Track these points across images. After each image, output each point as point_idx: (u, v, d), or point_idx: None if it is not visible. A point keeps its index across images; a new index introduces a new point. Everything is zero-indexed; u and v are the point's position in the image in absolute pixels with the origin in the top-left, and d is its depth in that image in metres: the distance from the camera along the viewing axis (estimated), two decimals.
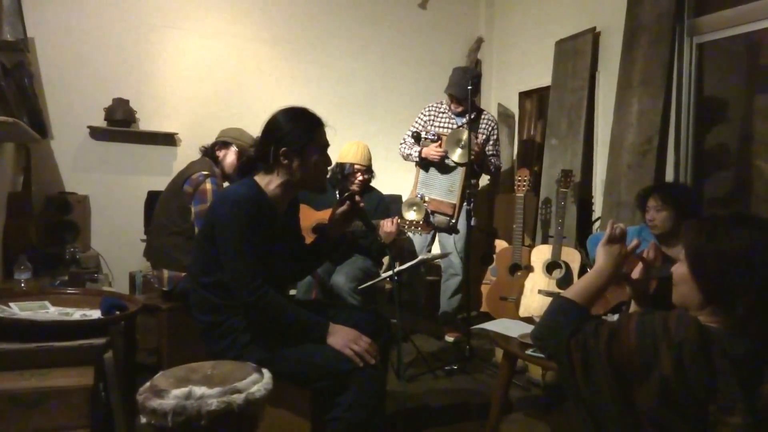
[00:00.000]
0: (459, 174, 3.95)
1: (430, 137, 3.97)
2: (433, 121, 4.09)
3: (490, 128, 4.05)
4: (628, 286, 1.62)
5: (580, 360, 1.26)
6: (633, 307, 1.67)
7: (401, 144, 4.12)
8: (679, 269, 1.33)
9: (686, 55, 3.91)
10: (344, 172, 3.59)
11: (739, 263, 1.20)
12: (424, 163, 4.03)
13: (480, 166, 3.99)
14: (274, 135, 2.00)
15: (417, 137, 4.00)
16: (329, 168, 2.16)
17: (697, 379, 1.13)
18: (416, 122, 4.15)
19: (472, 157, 3.75)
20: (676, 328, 1.17)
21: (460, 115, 4.04)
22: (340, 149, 3.59)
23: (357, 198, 2.25)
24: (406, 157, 4.10)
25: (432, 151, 3.90)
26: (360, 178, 3.61)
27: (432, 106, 4.15)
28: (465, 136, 3.85)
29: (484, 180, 5.45)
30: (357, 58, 5.22)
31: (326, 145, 2.10)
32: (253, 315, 1.94)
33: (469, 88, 3.71)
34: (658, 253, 1.63)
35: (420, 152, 3.96)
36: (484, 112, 4.13)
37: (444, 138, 3.93)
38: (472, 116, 3.98)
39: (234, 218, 1.90)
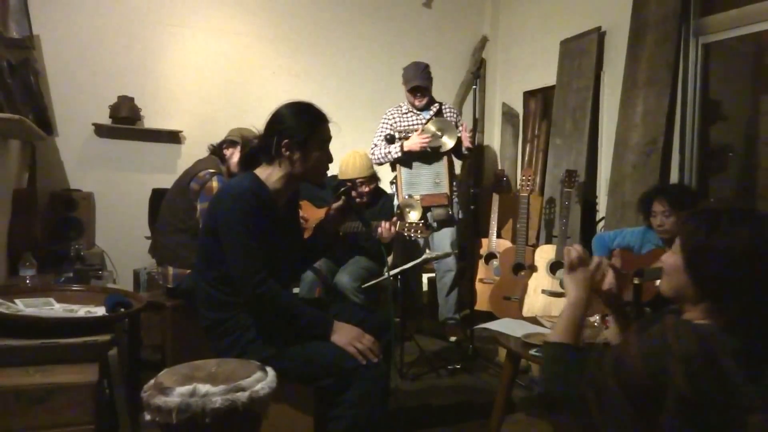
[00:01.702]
0: (442, 164, 3.96)
1: (404, 136, 3.95)
2: (399, 123, 4.08)
3: (455, 116, 4.10)
4: (600, 298, 1.58)
5: (594, 398, 1.22)
6: (612, 324, 1.63)
7: (373, 148, 4.04)
8: (671, 259, 1.29)
9: (692, 56, 3.89)
10: (352, 185, 3.56)
11: (739, 262, 1.17)
12: (405, 160, 3.99)
13: (461, 148, 3.98)
14: (277, 127, 2.02)
15: (391, 139, 3.96)
16: (329, 165, 2.17)
17: (713, 388, 1.10)
18: (382, 128, 4.11)
19: (455, 133, 3.80)
20: (677, 342, 1.14)
21: (423, 109, 4.06)
22: (339, 163, 3.56)
23: (353, 194, 2.26)
24: (383, 158, 4.00)
25: (418, 141, 3.85)
26: (366, 190, 3.59)
27: (392, 110, 4.15)
28: (436, 126, 3.90)
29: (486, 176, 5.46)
30: (361, 57, 5.22)
31: (328, 139, 2.11)
32: (257, 309, 1.94)
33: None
34: (622, 259, 1.60)
35: (402, 146, 3.91)
36: (444, 104, 4.15)
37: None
38: (436, 109, 4.03)
39: (236, 212, 1.91)
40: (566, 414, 1.35)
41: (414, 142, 3.87)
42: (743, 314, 1.17)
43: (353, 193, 3.55)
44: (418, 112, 4.07)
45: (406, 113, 4.10)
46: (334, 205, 2.26)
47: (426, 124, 3.95)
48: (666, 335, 1.16)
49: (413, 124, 4.04)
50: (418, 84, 3.96)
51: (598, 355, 1.28)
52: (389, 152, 3.96)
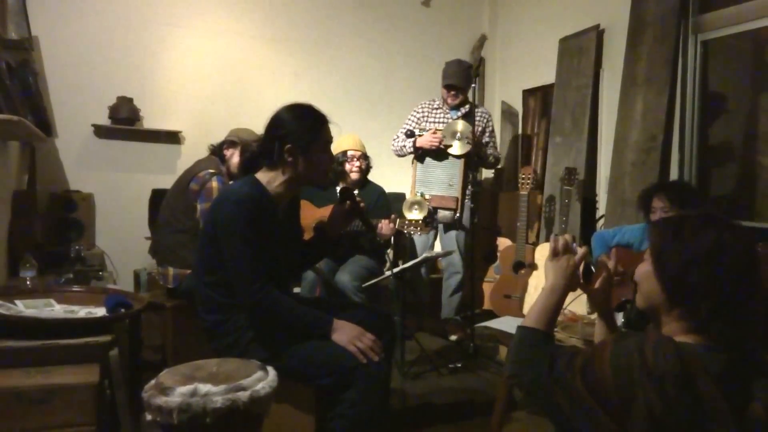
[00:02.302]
0: (458, 167, 3.92)
1: (424, 134, 3.95)
2: (427, 118, 4.08)
3: (485, 120, 4.04)
4: (587, 296, 1.56)
5: (567, 400, 1.21)
6: (597, 322, 1.61)
7: (394, 140, 4.08)
8: (642, 268, 1.28)
9: (691, 53, 3.89)
10: (340, 161, 3.59)
11: (703, 263, 1.16)
12: (420, 156, 3.99)
13: (478, 157, 3.94)
14: (278, 131, 2.00)
15: (410, 134, 3.97)
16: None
17: (685, 411, 1.08)
18: (409, 120, 4.12)
19: (468, 144, 3.75)
20: (654, 357, 1.12)
21: (455, 108, 4.04)
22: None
23: (357, 198, 2.26)
24: (400, 150, 4.03)
25: (429, 138, 3.85)
26: (357, 164, 3.62)
27: (424, 103, 4.14)
28: (460, 127, 3.85)
29: (488, 178, 5.46)
30: (360, 56, 5.22)
31: (330, 141, 2.10)
32: (256, 314, 1.95)
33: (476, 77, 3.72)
34: (619, 262, 1.58)
35: (415, 142, 3.91)
36: (479, 107, 4.12)
37: (439, 132, 3.91)
38: (467, 110, 3.98)
39: (235, 219, 1.90)
40: (537, 404, 1.33)
41: (425, 140, 3.87)
42: (712, 317, 1.16)
43: (346, 166, 3.60)
44: (448, 111, 4.06)
45: (437, 109, 4.09)
46: (339, 209, 2.25)
47: (447, 125, 3.93)
48: (644, 349, 1.14)
49: (439, 121, 4.04)
50: (453, 83, 3.93)
51: (571, 355, 1.27)
52: (404, 145, 3.98)
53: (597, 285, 1.55)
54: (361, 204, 2.26)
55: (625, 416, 1.13)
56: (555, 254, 1.46)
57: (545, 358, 1.29)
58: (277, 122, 2.03)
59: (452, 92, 3.97)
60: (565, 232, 3.88)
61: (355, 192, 3.61)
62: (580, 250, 1.49)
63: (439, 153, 3.93)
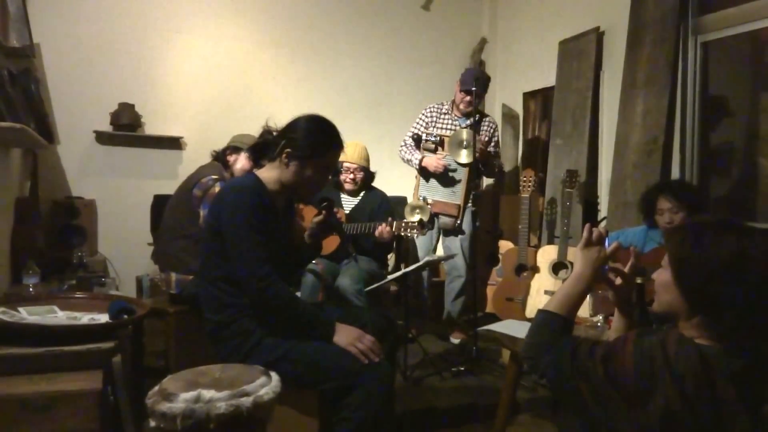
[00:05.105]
0: (462, 174, 3.94)
1: (431, 139, 3.95)
2: (435, 122, 4.07)
3: (491, 130, 4.04)
4: (612, 291, 1.57)
5: (587, 387, 1.23)
6: (617, 317, 1.62)
7: (401, 147, 4.08)
8: (661, 276, 1.28)
9: (691, 54, 3.90)
10: (337, 170, 3.59)
11: (726, 273, 1.16)
12: (423, 172, 4.00)
13: (485, 166, 3.94)
14: (288, 134, 2.05)
15: (417, 139, 3.97)
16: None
17: (702, 410, 1.10)
18: (417, 124, 4.12)
19: (477, 155, 3.73)
20: (676, 357, 1.13)
21: (465, 116, 4.03)
22: None
23: (335, 209, 2.30)
24: (407, 162, 4.05)
25: (434, 163, 3.86)
26: (351, 176, 3.60)
27: (433, 107, 4.12)
28: (466, 135, 3.85)
29: (487, 180, 5.46)
30: (360, 60, 5.23)
31: (330, 166, 2.14)
32: (261, 303, 1.95)
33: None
34: (638, 261, 1.58)
35: (420, 161, 3.92)
36: (486, 116, 4.13)
37: (446, 140, 3.91)
38: (476, 119, 3.96)
39: (238, 207, 1.93)
40: (551, 388, 1.36)
41: (431, 163, 3.87)
42: (735, 327, 1.16)
43: (341, 176, 3.60)
44: (456, 117, 4.05)
45: (445, 114, 4.08)
46: (315, 219, 2.29)
47: (454, 133, 3.93)
48: (667, 348, 1.16)
49: (446, 127, 4.03)
50: (469, 89, 3.86)
51: (592, 344, 1.29)
52: (410, 160, 3.99)
53: (617, 281, 1.55)
54: (338, 214, 2.30)
55: (639, 406, 1.15)
56: (587, 244, 1.48)
57: (567, 345, 1.30)
58: (293, 125, 2.08)
59: (468, 98, 3.93)
60: (567, 234, 3.87)
61: (354, 198, 3.65)
62: (612, 245, 1.49)
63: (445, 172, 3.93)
